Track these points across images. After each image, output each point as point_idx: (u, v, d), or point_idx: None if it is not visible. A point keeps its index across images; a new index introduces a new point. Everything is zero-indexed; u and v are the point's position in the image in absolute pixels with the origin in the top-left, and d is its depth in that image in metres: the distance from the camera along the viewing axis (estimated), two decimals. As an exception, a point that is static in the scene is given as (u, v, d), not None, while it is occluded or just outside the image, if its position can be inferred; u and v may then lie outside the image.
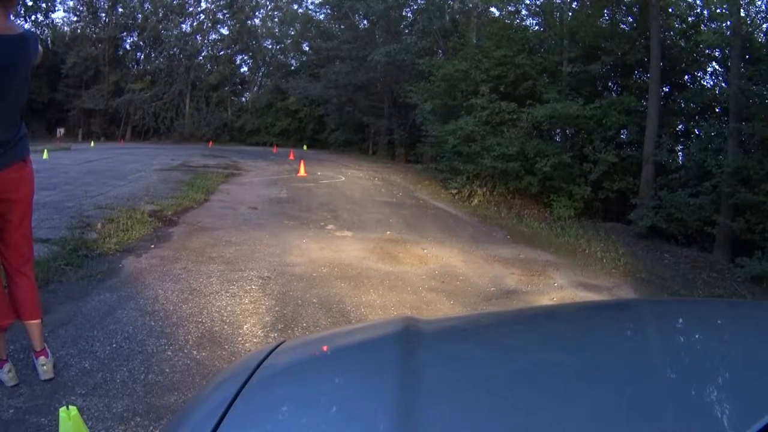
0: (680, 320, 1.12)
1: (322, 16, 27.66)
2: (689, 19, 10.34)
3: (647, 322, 1.11)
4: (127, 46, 34.52)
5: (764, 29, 9.39)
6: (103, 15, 32.86)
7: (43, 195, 6.55)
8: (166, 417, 2.10)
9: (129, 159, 14.36)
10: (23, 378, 2.28)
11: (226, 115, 33.59)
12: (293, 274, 4.24)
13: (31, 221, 2.32)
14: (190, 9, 33.89)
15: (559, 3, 12.15)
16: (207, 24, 34.33)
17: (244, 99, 36.64)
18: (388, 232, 6.29)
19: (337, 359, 0.89)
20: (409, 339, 0.86)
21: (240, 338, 2.95)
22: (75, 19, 33.31)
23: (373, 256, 5.09)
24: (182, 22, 33.98)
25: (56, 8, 35.57)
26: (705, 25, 9.74)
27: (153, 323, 3.05)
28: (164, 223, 5.80)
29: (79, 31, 32.63)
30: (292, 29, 32.81)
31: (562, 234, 7.61)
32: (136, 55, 34.80)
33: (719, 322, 1.10)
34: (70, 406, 1.66)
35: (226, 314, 3.27)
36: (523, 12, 13.84)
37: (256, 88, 36.21)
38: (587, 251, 6.49)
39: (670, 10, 9.95)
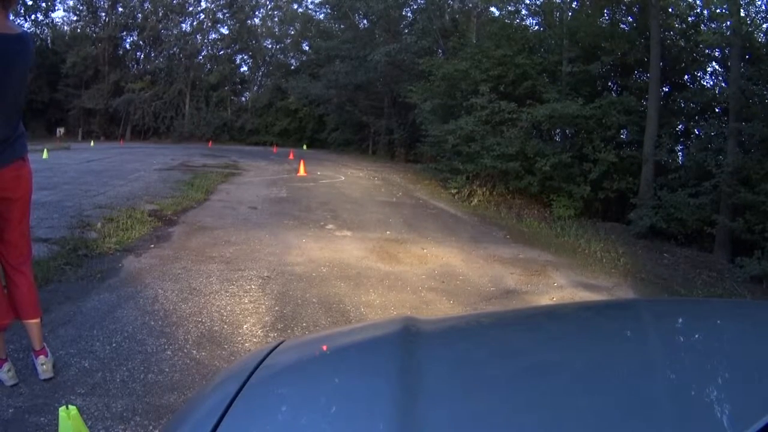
0: (680, 320, 1.12)
1: (321, 16, 27.75)
2: (689, 19, 10.33)
3: (647, 322, 1.11)
4: (127, 46, 34.55)
5: (764, 29, 9.40)
6: (103, 14, 32.84)
7: (43, 194, 6.55)
8: (165, 416, 2.10)
9: (129, 158, 14.35)
10: (23, 377, 2.28)
11: (226, 114, 33.58)
12: (293, 273, 4.24)
13: (30, 220, 2.32)
14: (190, 8, 33.92)
15: (559, 3, 12.14)
16: (207, 23, 34.33)
17: (244, 99, 36.68)
18: (388, 232, 6.29)
19: (336, 359, 0.89)
20: (408, 339, 0.86)
21: (239, 338, 2.94)
22: (75, 18, 33.34)
23: (373, 255, 5.09)
24: (182, 22, 34.01)
25: (56, 7, 35.60)
26: (705, 25, 9.73)
27: (153, 323, 3.04)
28: (164, 223, 5.80)
29: (78, 30, 32.59)
30: (291, 29, 32.87)
31: (561, 234, 7.61)
32: (136, 54, 34.78)
33: (719, 322, 1.10)
34: (69, 406, 1.66)
35: (225, 314, 3.27)
36: (523, 12, 13.85)
37: (256, 88, 36.22)
38: (587, 251, 6.48)
39: (670, 10, 9.94)
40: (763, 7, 9.15)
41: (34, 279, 2.34)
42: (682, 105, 10.50)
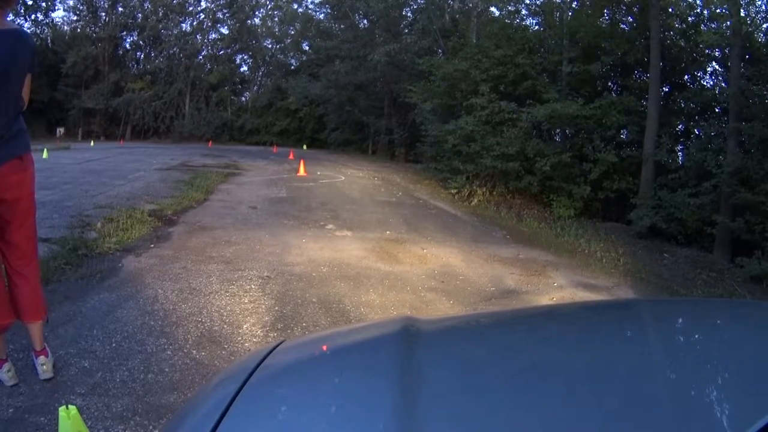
0: (680, 320, 1.12)
1: (321, 16, 27.69)
2: (689, 19, 10.33)
3: (647, 322, 1.11)
4: (127, 46, 34.55)
5: (764, 29, 9.39)
6: (103, 14, 32.82)
7: (43, 194, 6.55)
8: (165, 416, 2.10)
9: (129, 158, 14.35)
10: (23, 377, 2.28)
11: (226, 114, 33.57)
12: (293, 273, 4.24)
13: (35, 222, 2.27)
14: (190, 8, 33.90)
15: (559, 3, 12.14)
16: (207, 23, 34.32)
17: (244, 99, 36.67)
18: (388, 232, 6.29)
19: (336, 359, 0.89)
20: (408, 338, 0.86)
21: (239, 338, 2.94)
22: (75, 18, 33.30)
23: (373, 255, 5.09)
24: (182, 22, 34.00)
25: (56, 7, 35.54)
26: (705, 25, 9.72)
27: (152, 323, 3.04)
28: (164, 223, 5.80)
29: (79, 30, 32.56)
30: (292, 29, 32.81)
31: (561, 234, 7.61)
32: (136, 54, 34.79)
33: (719, 322, 1.10)
34: (69, 406, 1.66)
35: (225, 314, 3.27)
36: (523, 12, 13.84)
37: (256, 88, 36.21)
38: (587, 251, 6.49)
39: (670, 10, 9.95)
40: (763, 7, 9.15)
41: (38, 281, 2.29)
42: (682, 105, 10.50)
